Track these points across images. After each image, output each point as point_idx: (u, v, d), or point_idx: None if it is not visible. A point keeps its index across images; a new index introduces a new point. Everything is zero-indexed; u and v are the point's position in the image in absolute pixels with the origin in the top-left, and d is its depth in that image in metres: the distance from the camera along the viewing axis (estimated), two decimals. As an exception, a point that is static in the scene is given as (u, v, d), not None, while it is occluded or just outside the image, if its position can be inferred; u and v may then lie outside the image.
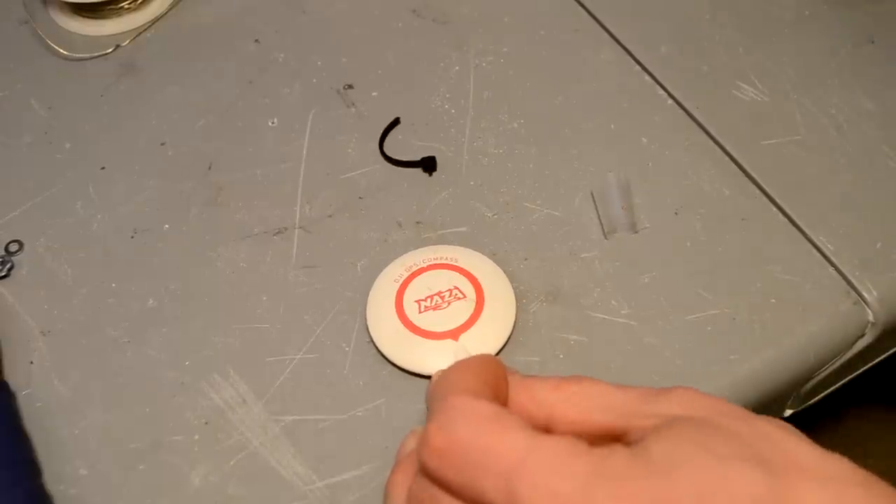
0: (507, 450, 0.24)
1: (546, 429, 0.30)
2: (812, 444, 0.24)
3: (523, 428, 0.25)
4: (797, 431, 0.24)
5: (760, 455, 0.23)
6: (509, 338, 0.36)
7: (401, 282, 0.37)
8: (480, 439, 0.25)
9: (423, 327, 0.36)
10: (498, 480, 0.24)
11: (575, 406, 0.29)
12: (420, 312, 0.36)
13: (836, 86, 0.45)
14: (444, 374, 0.29)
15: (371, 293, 0.38)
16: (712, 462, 0.23)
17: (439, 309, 0.36)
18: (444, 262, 0.38)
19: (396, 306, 0.37)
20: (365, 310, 0.38)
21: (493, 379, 0.29)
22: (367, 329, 0.37)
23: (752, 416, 0.25)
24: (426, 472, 0.26)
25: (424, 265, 0.38)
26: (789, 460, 0.23)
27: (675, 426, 0.25)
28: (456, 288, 0.37)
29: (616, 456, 0.24)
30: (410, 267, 0.38)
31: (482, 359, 0.30)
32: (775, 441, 0.24)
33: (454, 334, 0.36)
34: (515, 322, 0.37)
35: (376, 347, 0.36)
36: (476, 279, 0.37)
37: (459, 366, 0.30)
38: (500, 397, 0.30)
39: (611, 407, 0.28)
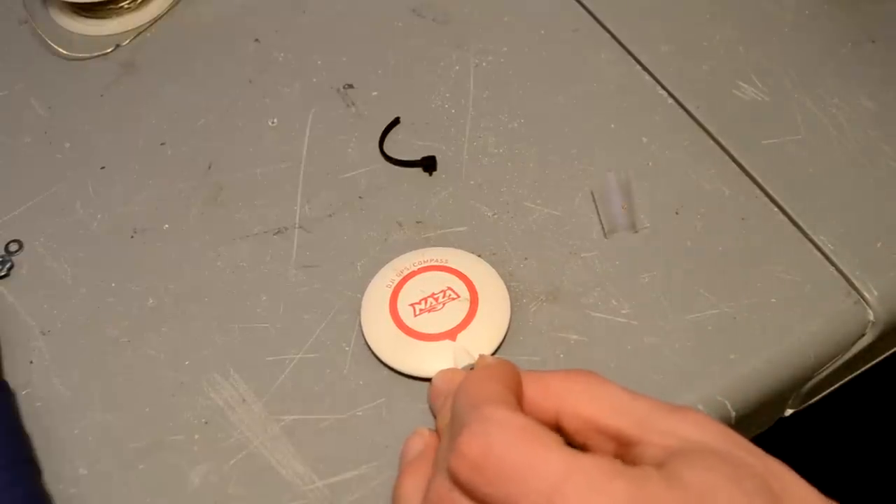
0: (547, 467, 0.24)
1: (554, 422, 0.30)
2: (813, 488, 0.25)
3: (560, 444, 0.25)
4: (796, 473, 0.26)
5: (774, 492, 0.25)
6: (506, 334, 0.36)
7: (393, 286, 0.37)
8: (519, 455, 0.25)
9: (419, 330, 0.36)
10: (537, 498, 0.24)
11: (587, 402, 0.29)
12: (415, 315, 0.36)
13: (837, 85, 0.45)
14: (469, 380, 0.29)
15: (364, 301, 0.38)
16: (742, 497, 0.24)
17: (434, 311, 0.36)
18: (434, 263, 0.38)
19: (391, 311, 0.37)
20: (365, 309, 0.38)
21: (515, 387, 0.29)
22: (364, 336, 0.37)
23: (760, 452, 0.27)
24: (454, 480, 0.26)
25: (415, 268, 0.38)
26: (797, 501, 0.25)
27: (704, 455, 0.26)
28: (449, 288, 0.37)
29: (653, 480, 0.25)
30: (402, 271, 0.38)
31: (504, 366, 0.30)
32: (784, 481, 0.25)
33: (452, 334, 0.36)
34: (516, 321, 0.37)
35: (375, 355, 0.36)
36: (468, 278, 0.37)
37: (484, 373, 0.30)
38: (519, 404, 0.30)
39: (625, 412, 0.28)
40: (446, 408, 0.31)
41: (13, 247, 0.41)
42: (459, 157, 0.43)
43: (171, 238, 0.41)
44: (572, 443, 0.31)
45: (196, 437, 0.35)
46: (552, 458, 0.25)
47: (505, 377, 0.29)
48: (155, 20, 0.50)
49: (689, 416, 0.28)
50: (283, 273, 0.39)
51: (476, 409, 0.27)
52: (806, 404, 0.44)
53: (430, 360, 0.35)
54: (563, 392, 0.30)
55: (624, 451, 0.29)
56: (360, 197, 0.42)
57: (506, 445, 0.25)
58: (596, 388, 0.29)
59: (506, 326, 0.36)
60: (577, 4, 0.49)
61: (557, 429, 0.30)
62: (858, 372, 0.44)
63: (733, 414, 0.35)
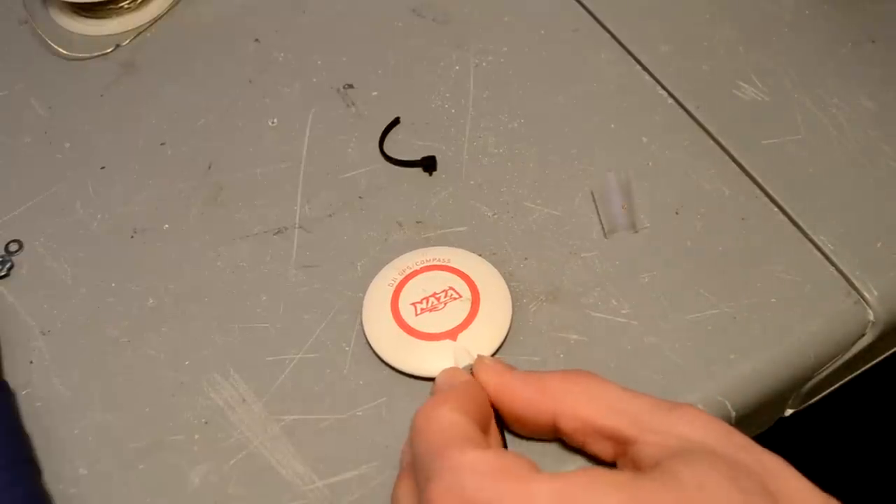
0: (533, 502, 0.23)
1: (552, 423, 0.30)
2: (810, 484, 0.25)
3: (537, 472, 0.24)
4: (794, 469, 0.26)
5: (771, 491, 0.25)
6: (507, 334, 0.36)
7: (395, 286, 0.37)
8: (501, 498, 0.24)
9: (421, 329, 0.36)
10: None
11: (585, 403, 0.29)
12: (417, 315, 0.36)
13: (837, 85, 0.45)
14: (424, 416, 0.27)
15: (366, 300, 0.38)
16: (738, 496, 0.24)
17: (436, 310, 0.36)
18: (437, 263, 0.38)
19: (392, 310, 0.37)
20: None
21: (477, 411, 0.28)
22: (365, 335, 0.37)
23: (758, 448, 0.26)
24: None
25: (418, 267, 0.38)
26: (794, 499, 0.25)
27: (700, 454, 0.25)
28: (451, 288, 0.37)
29: (647, 483, 0.24)
30: (404, 270, 0.38)
31: (460, 390, 0.29)
32: (782, 478, 0.25)
33: (453, 334, 0.36)
34: (516, 321, 0.37)
35: (376, 354, 0.36)
36: (470, 278, 0.37)
37: (439, 403, 0.28)
38: (486, 424, 0.29)
39: (622, 412, 0.28)
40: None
41: (13, 247, 0.41)
42: (459, 157, 0.43)
43: (171, 238, 0.41)
44: (570, 443, 0.31)
45: (196, 437, 0.35)
46: (535, 490, 0.24)
47: (464, 403, 0.28)
48: (155, 20, 0.50)
49: (686, 414, 0.27)
50: (283, 273, 0.39)
51: (440, 457, 0.25)
52: (806, 404, 0.44)
53: (431, 360, 0.35)
54: (561, 393, 0.30)
55: (622, 451, 0.28)
56: (360, 197, 0.42)
57: (482, 491, 0.24)
58: (594, 389, 0.29)
59: (507, 326, 0.36)
60: (577, 4, 0.49)
61: (555, 429, 0.30)
62: (858, 372, 0.44)
63: (733, 414, 0.35)
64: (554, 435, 0.31)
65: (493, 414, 0.30)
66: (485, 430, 0.29)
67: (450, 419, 0.27)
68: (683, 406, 0.28)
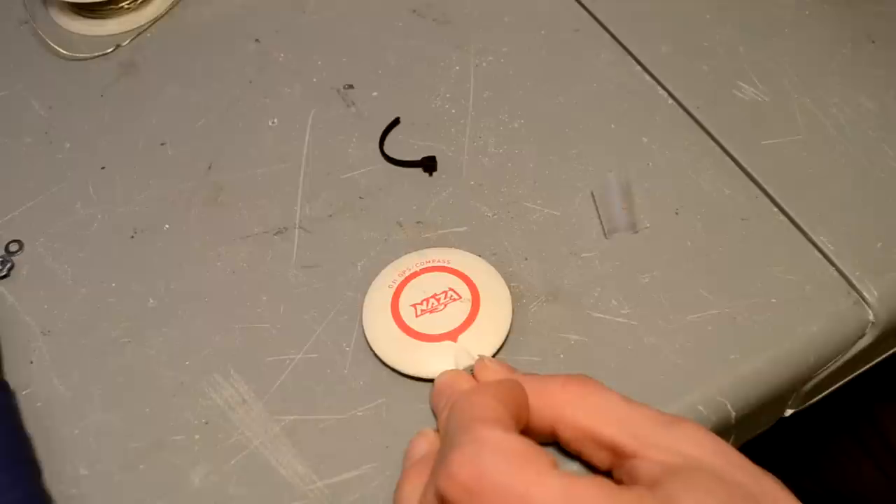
0: (541, 494, 0.24)
1: (551, 429, 0.30)
2: None
3: (554, 468, 0.25)
4: (789, 492, 0.26)
5: None
6: (508, 335, 0.36)
7: (395, 287, 0.37)
8: (512, 480, 0.24)
9: (421, 331, 0.36)
10: None
11: (585, 413, 0.29)
12: (417, 316, 0.36)
13: (837, 85, 0.45)
14: (465, 396, 0.29)
15: (365, 301, 0.38)
16: None
17: (436, 311, 0.36)
18: (437, 264, 0.38)
19: (392, 312, 0.37)
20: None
21: (515, 406, 0.29)
22: (365, 337, 0.37)
23: (758, 471, 0.27)
24: (443, 500, 0.25)
25: (418, 269, 0.38)
26: None
27: (700, 476, 0.26)
28: (451, 289, 0.37)
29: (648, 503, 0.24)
30: (404, 272, 0.38)
31: (505, 384, 0.30)
32: (779, 502, 0.25)
33: (453, 336, 0.36)
34: (516, 322, 0.37)
35: (376, 355, 0.36)
36: (470, 279, 0.37)
37: (481, 389, 0.29)
38: (521, 423, 0.29)
39: (622, 424, 0.28)
40: (444, 413, 0.31)
41: (13, 247, 0.41)
42: (459, 157, 0.43)
43: (171, 238, 0.41)
44: (567, 448, 0.31)
45: (196, 437, 0.35)
46: (547, 483, 0.24)
47: (504, 395, 0.29)
48: (155, 20, 0.50)
49: (686, 431, 0.27)
50: (283, 273, 0.39)
51: (469, 429, 0.26)
52: (806, 404, 0.44)
53: (432, 361, 0.35)
54: (561, 400, 0.30)
55: (619, 463, 0.28)
56: (360, 197, 0.42)
57: (498, 470, 0.25)
58: (594, 398, 0.29)
59: (507, 327, 0.36)
60: (577, 5, 0.49)
61: (553, 435, 0.30)
62: (859, 372, 0.44)
63: (733, 414, 0.35)
64: (552, 439, 0.31)
65: (528, 418, 0.30)
66: (518, 430, 0.29)
67: (487, 402, 0.28)
68: (683, 422, 0.28)
